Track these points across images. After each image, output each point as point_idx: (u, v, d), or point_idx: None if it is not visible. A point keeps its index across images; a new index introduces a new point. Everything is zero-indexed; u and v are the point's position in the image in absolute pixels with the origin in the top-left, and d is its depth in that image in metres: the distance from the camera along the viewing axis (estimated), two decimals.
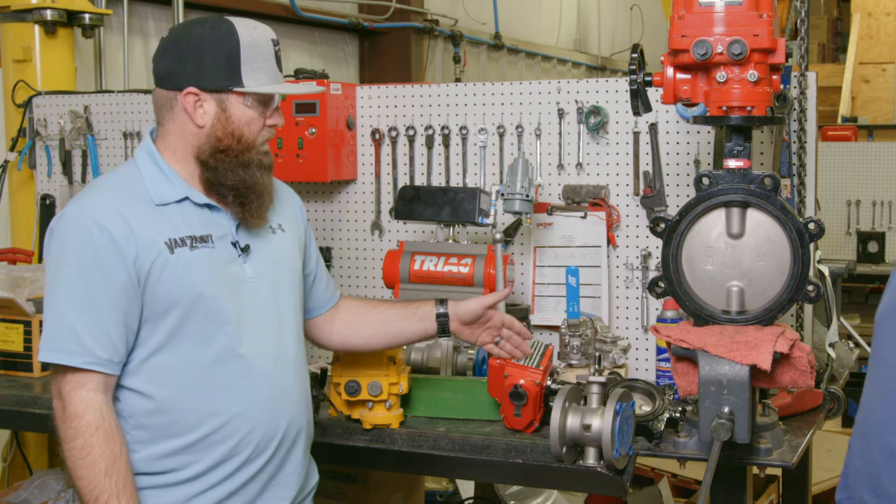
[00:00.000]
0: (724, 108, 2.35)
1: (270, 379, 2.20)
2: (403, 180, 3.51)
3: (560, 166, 3.32)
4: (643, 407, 2.64)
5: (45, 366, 2.10)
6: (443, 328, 2.48)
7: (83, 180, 3.95)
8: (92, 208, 2.07)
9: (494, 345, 2.52)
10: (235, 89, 2.14)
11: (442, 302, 2.49)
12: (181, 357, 2.11)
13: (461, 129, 3.42)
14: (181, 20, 5.08)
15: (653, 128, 3.19)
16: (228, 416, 2.14)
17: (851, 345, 3.59)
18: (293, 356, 2.27)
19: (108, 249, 2.03)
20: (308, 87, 2.49)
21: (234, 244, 2.19)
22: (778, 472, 3.65)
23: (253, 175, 2.18)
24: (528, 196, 3.05)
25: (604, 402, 2.46)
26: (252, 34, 2.17)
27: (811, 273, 2.60)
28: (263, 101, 2.19)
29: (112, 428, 2.03)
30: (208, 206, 2.18)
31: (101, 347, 2.03)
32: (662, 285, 2.49)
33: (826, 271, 3.12)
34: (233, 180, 2.16)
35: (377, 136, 3.52)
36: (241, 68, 2.14)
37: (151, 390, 2.10)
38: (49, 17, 4.12)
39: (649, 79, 2.49)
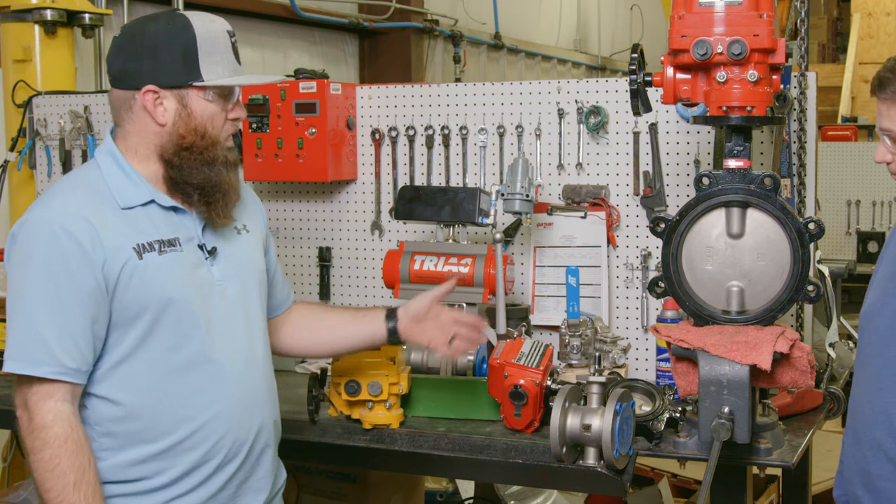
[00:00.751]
0: (724, 108, 2.35)
1: (241, 382, 2.16)
2: (403, 180, 3.50)
3: (560, 166, 3.32)
4: (643, 407, 2.64)
5: None
6: (392, 332, 2.40)
7: None
8: (57, 213, 2.00)
9: (447, 345, 2.38)
10: (195, 84, 2.08)
11: (392, 308, 2.44)
12: (151, 363, 2.06)
13: (461, 129, 3.42)
14: None
15: (653, 128, 3.18)
16: (201, 421, 2.09)
17: (851, 345, 3.58)
18: (262, 358, 2.25)
19: (76, 255, 1.97)
20: (267, 78, 2.43)
21: (201, 247, 2.14)
22: (778, 472, 3.65)
23: (219, 172, 2.12)
24: (528, 196, 3.05)
25: (604, 402, 2.46)
26: (208, 27, 2.11)
27: (811, 273, 2.60)
28: (224, 94, 2.14)
29: (80, 439, 1.99)
30: (174, 208, 2.13)
31: (69, 357, 1.97)
32: (662, 285, 2.49)
33: (826, 271, 3.12)
34: (198, 178, 2.10)
35: (377, 136, 3.52)
36: (200, 62, 2.08)
37: (120, 397, 2.05)
38: (49, 17, 4.11)
39: (649, 79, 2.48)
